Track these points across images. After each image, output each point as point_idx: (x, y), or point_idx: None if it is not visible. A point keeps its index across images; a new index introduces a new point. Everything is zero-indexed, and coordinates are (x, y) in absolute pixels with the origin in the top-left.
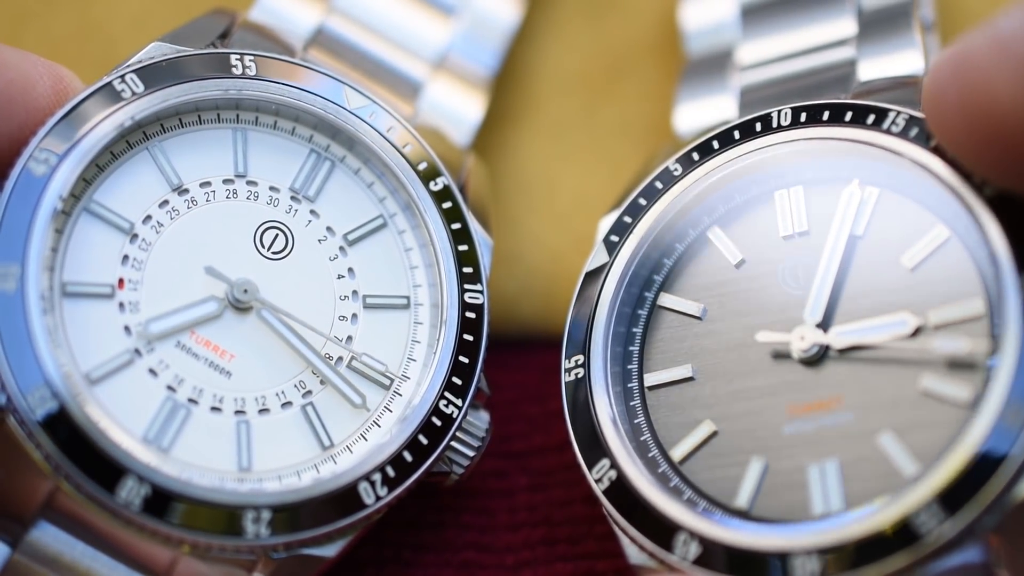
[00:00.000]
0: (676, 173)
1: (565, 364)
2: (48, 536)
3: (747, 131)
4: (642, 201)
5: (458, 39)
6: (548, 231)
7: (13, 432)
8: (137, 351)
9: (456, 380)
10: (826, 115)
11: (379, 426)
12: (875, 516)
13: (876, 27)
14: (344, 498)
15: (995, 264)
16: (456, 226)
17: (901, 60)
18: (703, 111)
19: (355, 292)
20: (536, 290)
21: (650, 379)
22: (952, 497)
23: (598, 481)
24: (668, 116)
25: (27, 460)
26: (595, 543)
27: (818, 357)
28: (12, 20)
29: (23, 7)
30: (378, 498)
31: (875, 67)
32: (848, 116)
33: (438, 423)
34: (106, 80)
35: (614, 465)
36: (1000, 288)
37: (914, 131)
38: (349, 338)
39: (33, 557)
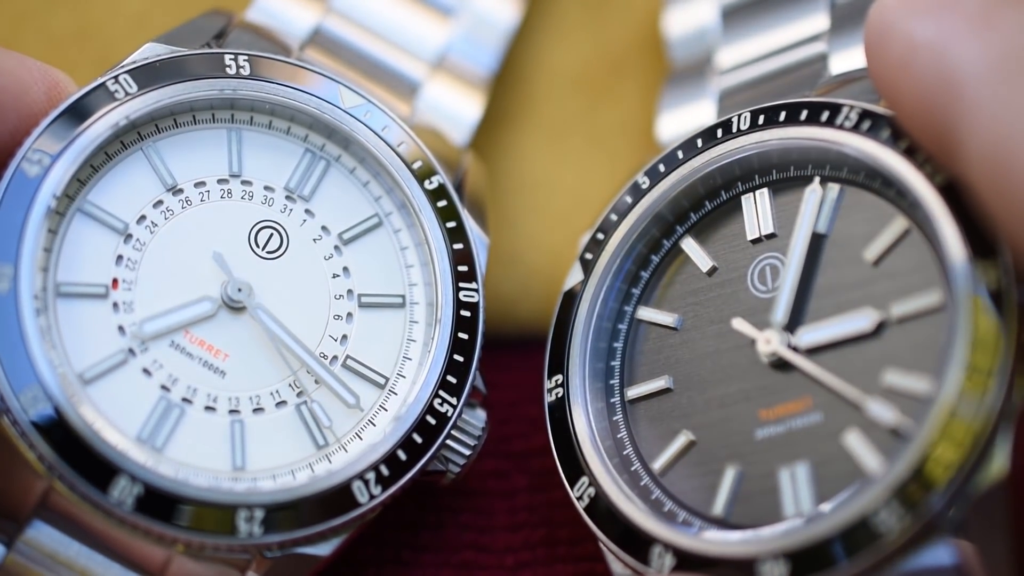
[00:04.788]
0: (644, 186)
1: (547, 384)
2: (43, 535)
3: (709, 138)
4: (613, 217)
5: (457, 39)
6: (548, 231)
7: (6, 432)
8: (131, 351)
9: (451, 379)
10: (783, 116)
11: (374, 425)
12: (837, 516)
13: (848, 20)
14: (338, 497)
15: (944, 252)
16: (451, 224)
17: None
18: (684, 118)
19: (350, 291)
20: (535, 291)
21: (631, 392)
22: (911, 493)
23: (579, 499)
24: None
25: (21, 460)
26: (595, 544)
27: (783, 360)
28: (12, 20)
29: (23, 7)
30: (372, 497)
31: (846, 60)
32: (804, 115)
33: (432, 422)
34: (100, 81)
35: (593, 483)
36: (950, 275)
37: (866, 125)
38: (344, 337)
39: (28, 556)
